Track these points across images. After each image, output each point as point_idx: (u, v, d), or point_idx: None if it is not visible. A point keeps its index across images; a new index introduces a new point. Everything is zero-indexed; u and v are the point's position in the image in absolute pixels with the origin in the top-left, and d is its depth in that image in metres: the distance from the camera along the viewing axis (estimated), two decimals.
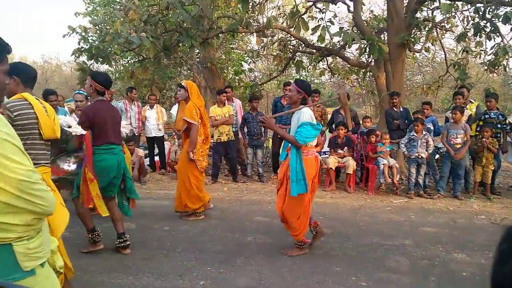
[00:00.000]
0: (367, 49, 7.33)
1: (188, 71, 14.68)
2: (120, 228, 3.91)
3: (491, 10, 6.68)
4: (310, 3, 9.02)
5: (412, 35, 7.71)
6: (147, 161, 8.07)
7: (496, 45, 7.06)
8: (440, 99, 17.64)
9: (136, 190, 4.22)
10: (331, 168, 6.73)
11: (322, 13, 8.69)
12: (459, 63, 8.23)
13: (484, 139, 6.14)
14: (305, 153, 3.67)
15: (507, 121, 6.52)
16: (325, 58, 10.00)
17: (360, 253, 3.94)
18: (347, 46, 8.64)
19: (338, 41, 9.21)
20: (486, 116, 6.49)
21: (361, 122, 7.52)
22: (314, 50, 9.34)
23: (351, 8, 8.51)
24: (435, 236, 4.48)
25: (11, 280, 1.36)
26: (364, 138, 7.07)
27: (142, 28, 7.35)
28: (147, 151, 8.43)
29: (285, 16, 9.59)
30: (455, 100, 6.69)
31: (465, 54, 8.17)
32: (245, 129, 7.48)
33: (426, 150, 6.33)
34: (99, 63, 8.12)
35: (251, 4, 7.96)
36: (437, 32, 8.89)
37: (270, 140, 8.28)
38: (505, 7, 6.63)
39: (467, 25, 7.72)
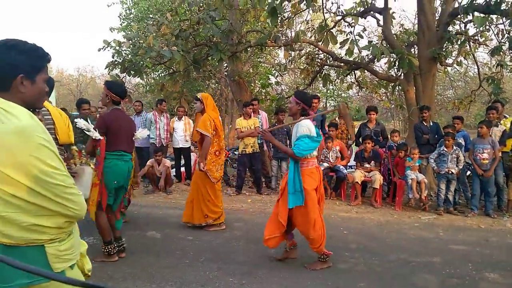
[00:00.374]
0: (397, 62, 7.24)
1: (216, 84, 14.91)
2: (117, 233, 4.03)
3: None
4: (339, 17, 9.05)
5: (444, 49, 7.56)
6: (173, 171, 8.22)
7: None
8: (472, 115, 17.10)
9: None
10: (357, 182, 6.63)
11: (351, 27, 8.70)
12: (493, 77, 8.00)
13: None
14: (305, 164, 3.68)
15: None
16: (353, 72, 9.95)
17: (386, 270, 3.85)
18: (376, 59, 8.59)
19: (367, 55, 9.17)
20: None
21: (389, 136, 7.40)
22: (342, 64, 9.32)
23: (381, 22, 8.46)
24: (466, 254, 4.31)
25: (42, 281, 1.42)
26: (392, 153, 6.95)
27: (174, 42, 7.58)
28: (173, 162, 8.59)
29: (314, 30, 9.66)
30: (488, 115, 6.48)
31: (499, 68, 7.93)
32: None
33: (457, 166, 6.14)
34: (131, 76, 8.41)
35: (279, 18, 8.06)
36: (470, 46, 8.68)
37: None
38: None
39: (501, 39, 7.51)
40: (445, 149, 6.19)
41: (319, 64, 9.82)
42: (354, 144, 7.82)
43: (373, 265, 3.95)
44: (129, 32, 13.07)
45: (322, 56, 9.99)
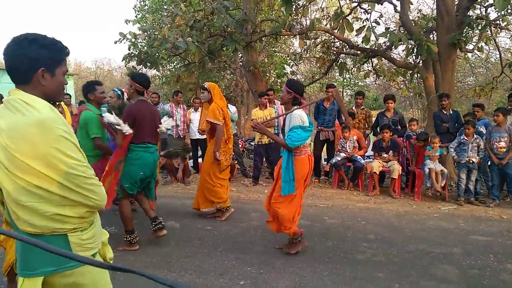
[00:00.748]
0: (415, 49, 7.08)
1: (231, 75, 14.91)
2: (152, 213, 4.07)
3: None
4: (355, 4, 8.87)
5: (464, 34, 7.34)
6: (190, 162, 8.28)
7: None
8: (494, 102, 16.65)
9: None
10: (375, 172, 6.56)
11: (368, 13, 8.53)
12: None
13: None
14: (298, 153, 3.70)
15: None
16: (370, 60, 9.77)
17: (404, 260, 3.81)
18: (393, 47, 8.42)
19: (384, 42, 8.98)
20: None
21: (407, 125, 7.28)
22: (358, 52, 9.16)
23: (398, 8, 8.26)
24: (487, 245, 4.23)
25: (66, 269, 1.47)
26: (410, 142, 6.83)
27: (188, 33, 7.58)
28: (191, 153, 8.65)
29: (329, 18, 9.51)
30: (510, 102, 6.30)
31: None
32: None
33: (478, 155, 6.00)
34: (147, 67, 8.47)
35: (294, 6, 7.96)
36: (491, 31, 8.41)
37: (312, 143, 8.21)
38: None
39: None
40: (465, 137, 6.05)
41: (335, 52, 9.67)
42: (371, 133, 7.73)
43: (391, 256, 3.92)
44: (144, 24, 13.15)
45: (338, 44, 9.84)
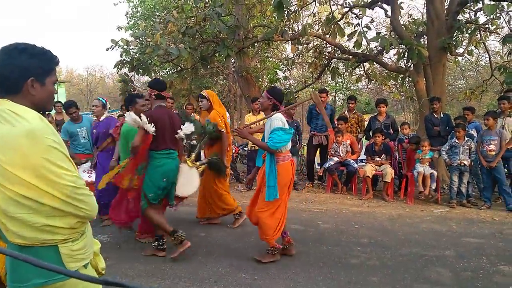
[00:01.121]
0: (406, 53, 7.16)
1: (224, 81, 14.92)
2: (170, 227, 3.95)
3: None
4: (346, 9, 8.96)
5: (454, 38, 7.44)
6: None
7: None
8: (485, 105, 16.82)
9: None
10: (368, 176, 6.59)
11: (359, 18, 8.62)
12: (505, 66, 7.84)
13: None
14: (281, 159, 3.68)
15: None
16: (361, 64, 9.85)
17: (398, 263, 3.82)
18: (384, 51, 8.49)
19: (375, 47, 9.07)
20: None
21: (399, 129, 7.33)
22: (350, 56, 9.24)
23: (389, 13, 8.36)
24: (479, 247, 4.26)
25: (57, 281, 1.45)
26: (402, 145, 6.88)
27: (181, 39, 7.59)
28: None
29: (321, 23, 9.58)
30: (500, 105, 6.38)
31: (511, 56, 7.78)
32: None
33: (469, 157, 6.06)
34: (139, 74, 8.45)
35: (286, 12, 8.01)
36: (480, 35, 8.53)
37: (305, 148, 8.23)
38: None
39: None
40: (456, 140, 6.11)
41: (327, 57, 9.75)
42: (364, 137, 7.77)
43: (385, 259, 3.93)
44: (136, 31, 13.14)
45: (330, 49, 9.91)
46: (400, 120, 13.89)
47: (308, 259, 3.94)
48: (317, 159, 7.99)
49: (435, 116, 6.83)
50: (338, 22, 8.31)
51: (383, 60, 9.95)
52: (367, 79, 10.78)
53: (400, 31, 7.91)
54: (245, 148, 9.46)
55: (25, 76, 1.44)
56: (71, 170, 1.44)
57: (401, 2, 8.70)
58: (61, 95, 16.25)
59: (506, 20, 7.74)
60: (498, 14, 7.65)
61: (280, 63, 13.41)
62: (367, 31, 7.82)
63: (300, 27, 9.80)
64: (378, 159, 6.79)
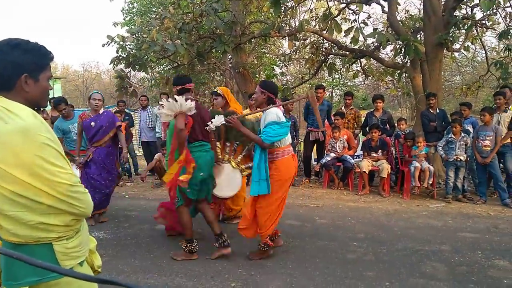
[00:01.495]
0: (403, 49, 7.16)
1: (221, 77, 14.89)
2: (217, 229, 3.88)
3: None
4: (343, 5, 8.94)
5: (451, 34, 7.45)
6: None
7: None
8: (481, 100, 16.88)
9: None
10: (364, 171, 6.61)
11: (356, 14, 8.60)
12: (501, 61, 7.87)
13: None
14: (281, 154, 3.63)
15: None
16: (358, 60, 9.85)
17: (394, 258, 3.85)
18: (381, 47, 8.49)
19: (372, 43, 9.08)
20: None
21: (396, 124, 7.35)
22: (347, 52, 9.23)
23: (386, 9, 8.34)
24: (475, 241, 4.29)
25: (51, 279, 1.44)
26: (399, 141, 6.90)
27: (177, 35, 7.55)
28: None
29: (318, 19, 9.56)
30: (496, 101, 6.40)
31: (507, 52, 7.80)
32: None
33: (465, 153, 6.09)
34: (136, 70, 8.41)
35: (283, 8, 7.98)
36: (477, 30, 8.54)
37: (302, 143, 8.24)
38: None
39: (509, 22, 7.38)
40: (452, 136, 6.13)
41: (324, 53, 9.74)
42: (361, 133, 7.79)
43: (381, 254, 3.95)
44: (133, 27, 13.06)
45: (327, 45, 9.90)
46: (396, 115, 13.95)
47: (304, 254, 3.96)
48: (313, 154, 8.00)
49: (431, 111, 6.84)
50: (335, 18, 8.29)
51: (380, 56, 9.97)
52: (364, 75, 10.78)
53: (397, 27, 7.91)
54: None
55: (19, 72, 1.42)
56: (66, 167, 1.43)
57: None
58: (57, 91, 16.18)
59: (503, 16, 7.73)
60: (494, 10, 7.65)
61: (277, 59, 13.40)
62: (364, 27, 7.83)
63: (297, 23, 9.77)
64: (374, 154, 6.81)
